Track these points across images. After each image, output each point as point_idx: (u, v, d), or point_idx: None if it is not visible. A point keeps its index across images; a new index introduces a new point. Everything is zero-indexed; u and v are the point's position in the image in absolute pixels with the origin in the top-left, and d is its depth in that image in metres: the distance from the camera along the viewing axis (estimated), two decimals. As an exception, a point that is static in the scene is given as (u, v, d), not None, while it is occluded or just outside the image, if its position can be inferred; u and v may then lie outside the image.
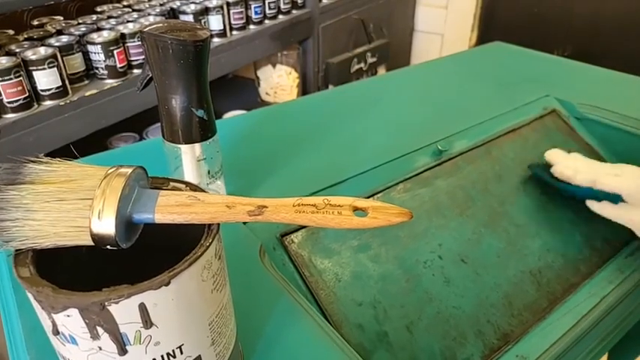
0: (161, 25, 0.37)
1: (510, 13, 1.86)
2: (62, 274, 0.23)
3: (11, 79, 0.84)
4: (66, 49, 0.95)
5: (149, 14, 1.18)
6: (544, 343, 0.46)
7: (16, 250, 0.23)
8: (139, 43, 1.05)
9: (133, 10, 1.23)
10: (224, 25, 1.27)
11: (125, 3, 1.30)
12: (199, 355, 0.26)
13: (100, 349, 0.23)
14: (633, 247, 0.57)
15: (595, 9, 1.65)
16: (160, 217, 0.25)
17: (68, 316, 0.21)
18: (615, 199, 0.50)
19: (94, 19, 1.15)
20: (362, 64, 1.71)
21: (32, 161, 0.24)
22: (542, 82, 0.75)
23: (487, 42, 0.95)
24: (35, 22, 1.16)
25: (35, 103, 0.91)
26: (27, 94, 0.88)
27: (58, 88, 0.92)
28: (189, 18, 1.19)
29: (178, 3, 1.25)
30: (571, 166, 0.54)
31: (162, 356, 0.24)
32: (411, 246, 0.49)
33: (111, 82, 1.02)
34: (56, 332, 0.23)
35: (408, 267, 0.47)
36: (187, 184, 0.28)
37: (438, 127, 0.62)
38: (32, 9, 1.17)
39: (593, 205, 0.52)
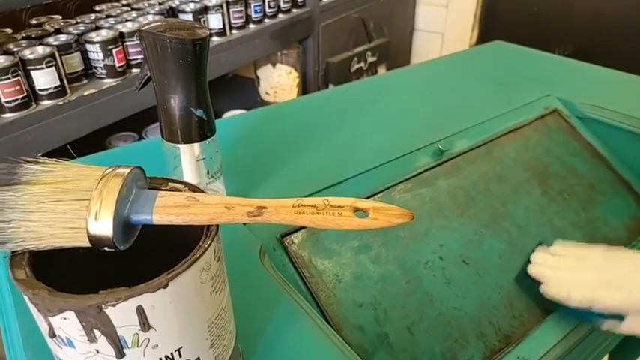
0: (160, 24, 0.37)
1: (511, 13, 1.85)
2: (59, 276, 0.23)
3: (9, 78, 0.84)
4: (64, 49, 0.95)
5: (148, 13, 1.18)
6: (545, 345, 0.46)
7: (13, 252, 0.23)
8: (138, 42, 1.04)
9: (132, 9, 1.22)
10: (224, 24, 1.27)
11: (124, 2, 1.30)
12: (198, 358, 0.25)
13: (98, 351, 0.22)
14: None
15: (596, 8, 1.64)
16: (158, 218, 0.24)
17: (65, 318, 0.21)
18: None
19: (93, 18, 1.15)
20: (362, 64, 1.71)
21: (28, 162, 0.24)
22: (543, 82, 0.74)
23: (488, 41, 0.95)
24: (33, 21, 1.16)
25: (33, 102, 0.90)
26: (25, 93, 0.88)
27: (56, 87, 0.91)
28: (189, 17, 1.19)
29: (177, 2, 1.25)
30: (564, 284, 0.46)
31: (160, 359, 0.23)
32: (411, 247, 0.48)
33: (110, 82, 1.02)
34: (53, 335, 0.22)
35: (408, 268, 0.47)
36: (186, 184, 0.27)
37: (438, 127, 0.61)
38: (30, 8, 1.17)
39: (602, 325, 0.46)
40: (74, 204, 0.23)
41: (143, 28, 0.36)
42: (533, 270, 0.48)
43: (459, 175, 0.56)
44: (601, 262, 0.46)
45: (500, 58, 0.87)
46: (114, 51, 1.00)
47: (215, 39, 1.26)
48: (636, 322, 0.43)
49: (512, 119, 0.65)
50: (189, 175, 0.42)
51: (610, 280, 0.44)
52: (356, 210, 0.25)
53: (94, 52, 0.99)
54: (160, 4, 1.26)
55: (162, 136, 0.41)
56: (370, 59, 1.73)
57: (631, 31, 1.61)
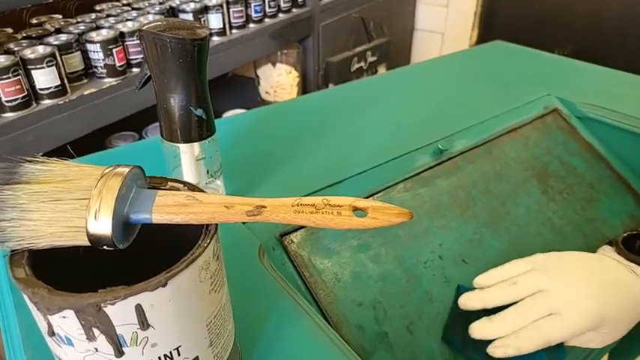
0: (160, 23, 0.37)
1: (511, 12, 1.85)
2: (59, 274, 0.23)
3: (9, 77, 0.84)
4: (65, 48, 0.95)
5: (148, 13, 1.18)
6: (545, 344, 0.46)
7: (12, 251, 0.23)
8: (138, 41, 1.04)
9: (133, 9, 1.22)
10: (224, 24, 1.27)
11: (124, 1, 1.30)
12: (197, 357, 0.25)
13: (97, 350, 0.22)
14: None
15: (596, 7, 1.64)
16: (158, 217, 0.24)
17: (64, 317, 0.21)
18: None
19: (93, 17, 1.15)
20: (362, 63, 1.71)
21: (28, 161, 0.24)
22: (543, 81, 0.74)
23: (488, 41, 0.95)
24: (34, 21, 1.16)
25: (34, 102, 0.90)
26: (25, 92, 0.88)
27: (56, 87, 0.92)
28: (189, 16, 1.19)
29: (178, 1, 1.25)
30: (511, 342, 0.39)
31: (159, 358, 0.24)
32: (411, 246, 0.48)
33: (110, 81, 1.02)
34: (52, 333, 0.23)
35: (408, 267, 0.47)
36: (185, 183, 0.27)
37: (438, 127, 0.61)
38: (31, 7, 1.17)
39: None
40: (74, 203, 0.23)
41: (143, 28, 0.36)
42: (477, 334, 0.41)
43: (458, 174, 0.56)
44: (535, 280, 0.40)
45: (500, 57, 0.87)
46: (114, 50, 1.00)
47: (215, 38, 1.26)
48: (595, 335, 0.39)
49: (512, 119, 0.65)
50: (188, 174, 0.42)
51: (553, 306, 0.38)
52: (355, 209, 0.25)
53: (94, 51, 0.99)
54: (160, 3, 1.26)
55: (162, 136, 0.41)
56: (370, 59, 1.73)
57: (631, 31, 1.61)
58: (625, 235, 0.46)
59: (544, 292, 0.39)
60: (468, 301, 0.42)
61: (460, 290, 0.44)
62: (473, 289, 0.44)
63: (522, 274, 0.41)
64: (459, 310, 0.44)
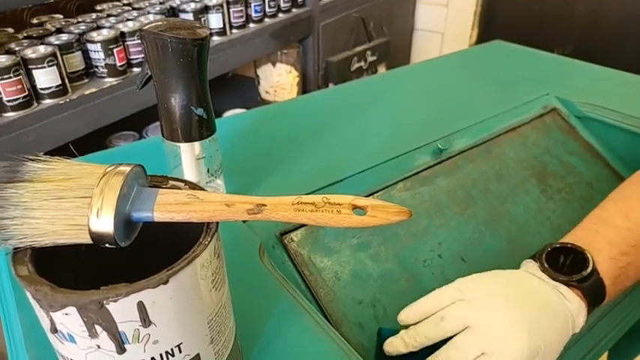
0: (160, 23, 0.37)
1: (511, 12, 1.85)
2: (61, 272, 0.23)
3: (11, 77, 0.84)
4: (65, 48, 0.95)
5: (149, 12, 1.18)
6: (544, 342, 0.46)
7: (15, 249, 0.23)
8: (139, 41, 1.05)
9: (133, 9, 1.22)
10: (224, 24, 1.27)
11: (125, 1, 1.30)
12: (198, 354, 0.25)
13: (99, 347, 0.23)
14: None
15: (596, 7, 1.64)
16: (159, 215, 0.25)
17: (66, 314, 0.21)
18: None
19: (94, 17, 1.15)
20: (362, 63, 1.71)
21: (31, 159, 0.24)
22: (543, 81, 0.75)
23: (487, 40, 0.95)
24: (35, 21, 1.16)
25: (35, 101, 0.91)
26: (26, 92, 0.88)
27: (57, 86, 0.92)
28: (189, 16, 1.19)
29: (178, 1, 1.25)
30: None
31: (160, 355, 0.24)
32: (410, 245, 0.49)
33: (110, 81, 1.02)
34: (54, 330, 0.23)
35: (407, 266, 0.47)
36: (186, 182, 0.28)
37: (438, 126, 0.62)
38: (32, 7, 1.17)
39: None
40: (76, 201, 0.23)
41: (144, 28, 0.36)
42: None
43: (458, 173, 0.56)
44: (463, 312, 0.37)
45: (500, 57, 0.88)
46: (115, 50, 1.00)
47: (215, 38, 1.26)
48: None
49: (511, 118, 0.65)
50: (189, 173, 0.42)
51: (484, 346, 0.35)
52: (354, 207, 0.25)
53: (95, 51, 1.00)
54: (160, 3, 1.26)
55: (163, 135, 0.41)
56: (370, 58, 1.73)
57: (631, 31, 1.61)
58: (549, 249, 0.42)
59: (472, 328, 0.36)
60: (395, 348, 0.39)
61: (382, 334, 0.40)
62: (394, 329, 0.40)
63: (449, 305, 0.38)
64: (385, 356, 0.40)
